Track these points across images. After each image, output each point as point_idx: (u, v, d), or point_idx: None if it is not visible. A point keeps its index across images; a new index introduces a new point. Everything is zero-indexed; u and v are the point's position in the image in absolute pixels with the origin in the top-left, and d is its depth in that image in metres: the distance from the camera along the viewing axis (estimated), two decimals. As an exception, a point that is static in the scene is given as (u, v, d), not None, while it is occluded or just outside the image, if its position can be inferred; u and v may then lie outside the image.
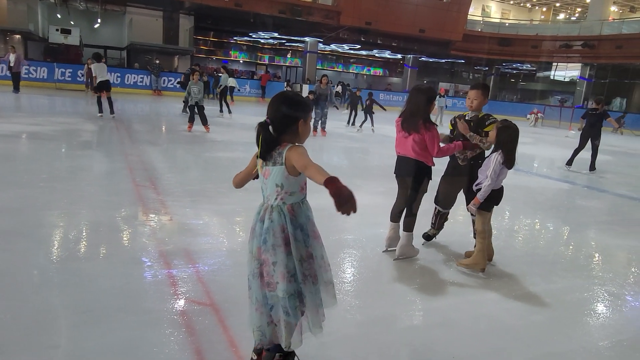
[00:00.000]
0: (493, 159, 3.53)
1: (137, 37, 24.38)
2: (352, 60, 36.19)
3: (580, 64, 29.26)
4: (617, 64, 28.03)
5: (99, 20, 25.88)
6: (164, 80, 22.70)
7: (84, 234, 3.91)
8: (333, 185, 1.66)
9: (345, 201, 1.63)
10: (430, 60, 33.03)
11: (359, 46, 29.38)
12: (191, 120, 10.60)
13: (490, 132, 3.68)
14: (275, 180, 1.96)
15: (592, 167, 9.61)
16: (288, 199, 1.99)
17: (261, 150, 1.96)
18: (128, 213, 4.47)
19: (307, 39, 27.30)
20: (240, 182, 2.24)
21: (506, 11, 37.71)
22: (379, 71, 37.33)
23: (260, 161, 2.02)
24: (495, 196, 3.63)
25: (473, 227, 3.92)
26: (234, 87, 19.84)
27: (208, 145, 9.35)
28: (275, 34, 26.71)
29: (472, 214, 3.86)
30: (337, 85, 26.16)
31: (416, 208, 3.82)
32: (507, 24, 33.76)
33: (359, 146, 11.39)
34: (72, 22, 25.06)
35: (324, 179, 1.70)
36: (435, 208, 4.30)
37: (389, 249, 3.97)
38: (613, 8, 32.54)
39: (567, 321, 3.10)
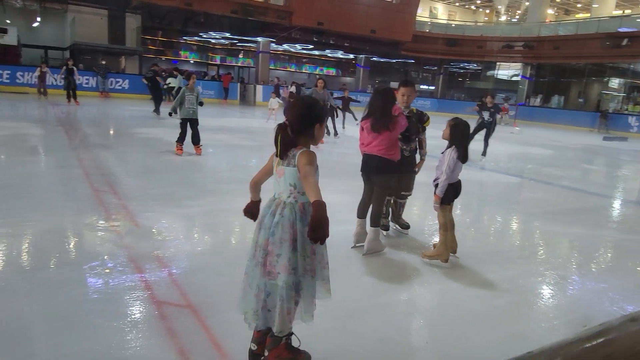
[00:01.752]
0: (447, 155, 3.75)
1: (80, 36, 23.33)
2: (304, 60, 36.33)
3: (521, 64, 30.83)
4: (555, 64, 29.75)
5: (39, 19, 24.57)
6: (111, 81, 21.89)
7: (48, 242, 3.78)
8: (317, 211, 1.84)
9: (319, 230, 1.83)
10: (382, 60, 33.72)
11: (312, 46, 29.55)
12: (181, 140, 8.12)
13: (444, 130, 3.90)
14: (289, 180, 2.11)
15: (484, 154, 10.40)
16: (300, 198, 2.12)
17: (280, 150, 2.10)
18: (91, 219, 4.35)
19: (259, 39, 27.13)
20: (259, 182, 2.35)
21: (452, 12, 39.09)
22: (332, 71, 37.67)
23: (277, 159, 2.15)
24: (454, 190, 3.85)
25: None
26: (173, 88, 19.54)
27: (166, 148, 9.14)
28: (227, 34, 26.38)
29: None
30: (291, 86, 26.18)
31: (382, 203, 3.99)
32: (453, 25, 35.02)
33: (321, 146, 11.50)
34: (8, 21, 23.66)
35: (314, 200, 1.88)
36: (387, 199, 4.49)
37: (357, 245, 4.10)
38: (550, 11, 34.49)
39: (525, 304, 3.35)
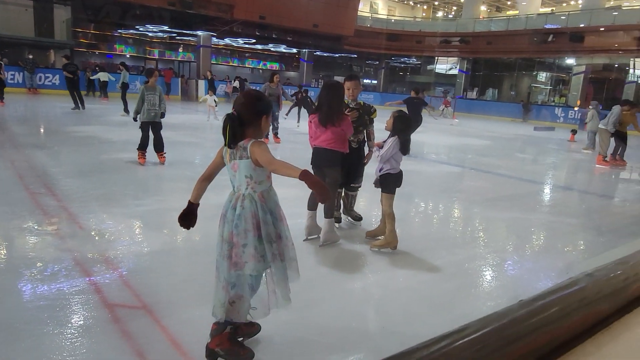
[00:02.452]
0: (390, 142, 3.91)
1: (3, 29, 21.69)
2: (247, 54, 35.84)
3: (458, 58, 32.15)
4: (488, 58, 31.28)
5: (-46, 10, 22.56)
6: (40, 77, 20.54)
7: (-20, 249, 3.53)
8: (309, 179, 1.98)
9: (324, 193, 2.00)
10: (325, 54, 33.93)
11: (254, 40, 29.20)
12: (143, 147, 7.12)
13: (387, 121, 4.03)
14: (244, 172, 2.18)
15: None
16: (257, 188, 2.21)
17: (228, 139, 2.14)
18: (29, 223, 4.10)
19: (199, 32, 26.43)
20: (210, 176, 2.37)
21: (392, 8, 39.98)
22: (275, 65, 37.42)
23: (228, 151, 2.21)
24: (396, 180, 4.00)
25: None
26: (106, 82, 18.75)
27: (105, 146, 8.76)
28: (165, 27, 25.49)
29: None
30: (235, 81, 25.77)
31: (334, 195, 4.06)
32: (393, 20, 35.85)
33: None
34: None
35: (298, 174, 1.99)
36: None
37: (309, 237, 4.14)
38: (483, 7, 36.15)
39: (471, 285, 3.54)
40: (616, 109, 10.33)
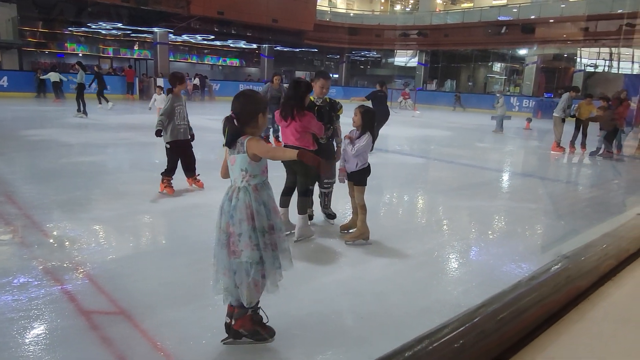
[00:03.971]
0: (364, 139, 3.98)
1: (-59, 28, 20.44)
2: (206, 51, 35.19)
3: (417, 51, 32.75)
4: (446, 51, 32.02)
5: None
6: (-13, 79, 19.51)
7: (-61, 263, 3.38)
8: (306, 157, 2.26)
9: (323, 167, 2.33)
10: (286, 49, 33.79)
11: (213, 37, 28.73)
12: (171, 173, 5.64)
13: (355, 118, 4.10)
14: (240, 166, 2.33)
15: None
16: (252, 181, 2.35)
17: (227, 139, 2.32)
18: (-10, 233, 3.95)
19: (155, 29, 25.77)
20: (226, 174, 2.51)
21: (350, 2, 40.20)
22: (235, 62, 36.95)
23: (226, 149, 2.37)
24: (367, 173, 4.11)
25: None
26: (58, 83, 18.11)
27: (64, 150, 8.46)
28: (119, 24, 24.69)
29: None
30: (195, 78, 25.34)
31: (306, 191, 4.11)
32: (352, 14, 36.08)
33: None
34: None
35: (296, 154, 2.25)
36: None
37: None
38: (439, 0, 36.92)
39: (442, 272, 3.69)
40: (565, 95, 10.83)
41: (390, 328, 2.74)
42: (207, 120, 15.11)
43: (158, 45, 26.61)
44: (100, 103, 16.21)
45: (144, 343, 2.46)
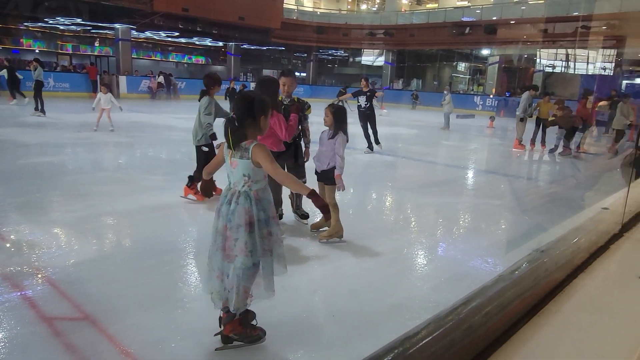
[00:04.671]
0: (339, 140, 3.99)
1: None
2: (170, 48, 34.50)
3: (384, 50, 33.11)
4: (412, 50, 32.53)
5: None
6: None
7: None
8: (317, 200, 2.35)
9: (327, 211, 2.39)
10: (253, 47, 33.51)
11: (177, 34, 28.16)
12: (201, 181, 4.90)
13: (326, 119, 4.10)
14: (243, 171, 2.31)
15: (378, 142, 9.79)
16: (254, 186, 2.33)
17: (231, 142, 2.31)
18: (-59, 238, 3.74)
19: (117, 25, 25.04)
20: (211, 172, 2.59)
21: (317, 1, 40.23)
22: (201, 59, 36.40)
23: (229, 151, 2.35)
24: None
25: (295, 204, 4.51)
26: (14, 80, 17.34)
27: (21, 151, 8.10)
28: (78, 20, 23.85)
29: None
30: (159, 76, 24.77)
31: (276, 191, 4.05)
32: (319, 13, 36.13)
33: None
34: None
35: (307, 193, 2.33)
36: None
37: None
38: (405, 1, 37.43)
39: (411, 269, 3.74)
40: (525, 94, 11.20)
41: (362, 325, 2.76)
42: (173, 119, 14.82)
43: (120, 42, 25.88)
44: (14, 98, 15.55)
45: (111, 348, 2.38)
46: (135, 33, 27.19)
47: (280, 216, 4.61)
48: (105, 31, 27.67)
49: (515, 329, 0.42)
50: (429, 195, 6.36)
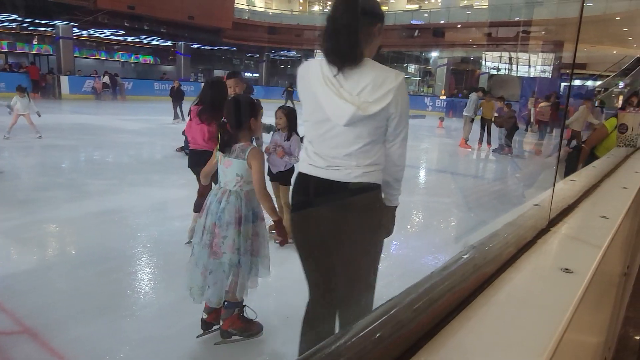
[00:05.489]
0: (295, 141, 4.01)
1: None
2: (116, 47, 33.25)
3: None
4: (363, 52, 33.02)
5: None
6: None
7: None
8: (280, 229, 2.43)
9: (286, 240, 2.52)
10: (203, 47, 32.90)
11: (123, 32, 27.19)
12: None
13: (278, 122, 4.10)
14: (236, 171, 2.37)
15: None
16: (245, 187, 2.41)
17: (220, 144, 2.39)
18: None
19: (57, 22, 23.85)
20: (209, 174, 2.62)
21: (269, 1, 40.06)
22: (149, 59, 35.30)
23: (220, 153, 2.42)
24: (293, 172, 4.15)
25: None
26: None
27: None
28: (14, 16, 22.54)
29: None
30: (104, 76, 23.80)
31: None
32: (271, 13, 35.99)
33: (144, 140, 10.82)
34: None
35: (276, 219, 2.39)
36: None
37: (191, 240, 4.04)
38: (354, 3, 37.92)
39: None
40: (473, 96, 11.67)
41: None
42: (120, 121, 14.30)
43: (61, 40, 24.67)
44: None
45: (54, 362, 2.27)
46: (78, 31, 26.02)
47: None
48: (44, 29, 26.30)
49: (445, 323, 0.45)
50: (381, 195, 6.48)
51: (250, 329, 2.54)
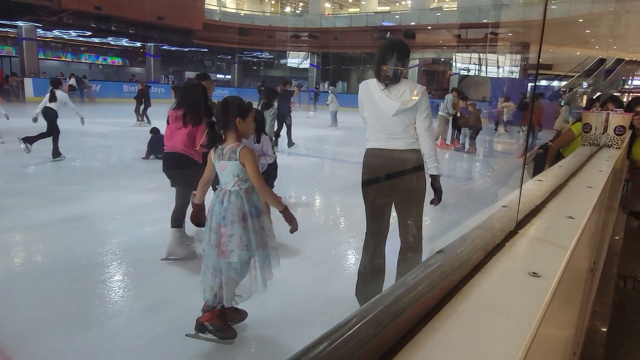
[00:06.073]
0: (265, 141, 3.99)
1: None
2: (83, 48, 32.38)
3: (309, 53, 33.47)
4: (336, 53, 33.19)
5: None
6: None
7: None
8: (289, 216, 2.52)
9: (296, 226, 2.56)
10: (174, 49, 32.39)
11: (90, 33, 26.49)
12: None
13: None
14: (232, 172, 2.47)
15: (291, 143, 10.15)
16: (243, 185, 2.49)
17: (209, 142, 2.54)
18: None
19: (20, 23, 23.06)
20: (209, 181, 2.66)
21: (240, 2, 39.76)
22: (117, 60, 34.54)
23: (214, 155, 2.50)
24: (274, 173, 4.14)
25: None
26: None
27: None
28: (-26, 17, 21.70)
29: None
30: (70, 78, 23.12)
31: (186, 202, 3.87)
32: (242, 14, 35.74)
33: (113, 144, 10.56)
34: None
35: (281, 208, 2.50)
36: None
37: (169, 257, 3.90)
38: (327, 5, 38.09)
39: (340, 269, 3.79)
40: (448, 96, 11.86)
41: (291, 329, 2.75)
42: (87, 124, 13.85)
43: (24, 41, 23.88)
44: None
45: (16, 378, 2.17)
46: (42, 32, 25.23)
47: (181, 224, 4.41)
48: (6, 29, 25.39)
49: (410, 336, 0.43)
50: (356, 196, 6.47)
51: (224, 330, 2.53)
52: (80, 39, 29.11)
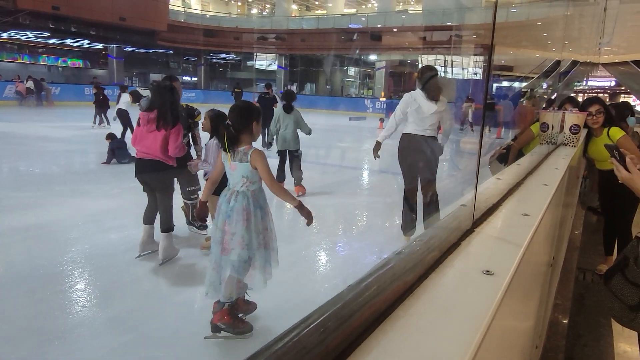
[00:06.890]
0: (212, 146, 3.84)
1: None
2: (41, 50, 31.20)
3: (276, 54, 33.36)
4: (303, 55, 33.20)
5: None
6: None
7: None
8: (304, 210, 2.68)
9: (312, 218, 2.70)
10: (137, 50, 31.66)
11: (48, 34, 25.58)
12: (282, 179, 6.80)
13: (204, 123, 3.98)
14: (242, 173, 2.57)
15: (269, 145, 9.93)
16: (251, 187, 2.60)
17: (226, 145, 2.56)
18: None
19: (-27, 24, 22.06)
20: (217, 180, 2.79)
21: (206, 3, 39.26)
22: (78, 62, 33.43)
23: (227, 155, 2.60)
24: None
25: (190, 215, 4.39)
26: None
27: None
28: None
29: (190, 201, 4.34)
30: (27, 80, 22.24)
31: (169, 206, 3.81)
32: (208, 16, 35.30)
33: (75, 148, 10.22)
34: None
35: (296, 204, 2.67)
36: None
37: (142, 254, 3.85)
38: (294, 6, 38.09)
39: (309, 271, 3.79)
40: None
41: (260, 333, 2.72)
42: (47, 128, 13.42)
43: (-22, 43, 22.83)
44: None
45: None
46: (-3, 33, 24.22)
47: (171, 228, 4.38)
48: (-43, 30, 24.23)
49: (359, 341, 0.43)
50: (325, 197, 6.51)
51: (238, 326, 2.62)
52: (38, 40, 28.05)
